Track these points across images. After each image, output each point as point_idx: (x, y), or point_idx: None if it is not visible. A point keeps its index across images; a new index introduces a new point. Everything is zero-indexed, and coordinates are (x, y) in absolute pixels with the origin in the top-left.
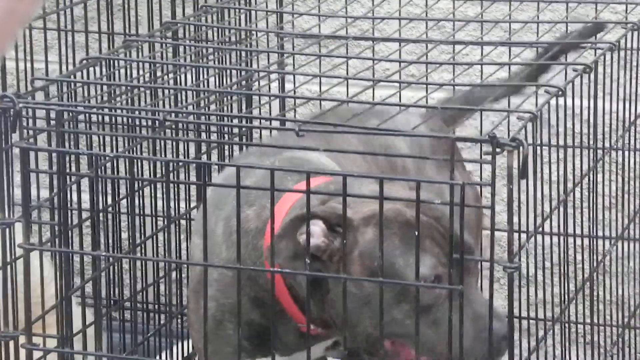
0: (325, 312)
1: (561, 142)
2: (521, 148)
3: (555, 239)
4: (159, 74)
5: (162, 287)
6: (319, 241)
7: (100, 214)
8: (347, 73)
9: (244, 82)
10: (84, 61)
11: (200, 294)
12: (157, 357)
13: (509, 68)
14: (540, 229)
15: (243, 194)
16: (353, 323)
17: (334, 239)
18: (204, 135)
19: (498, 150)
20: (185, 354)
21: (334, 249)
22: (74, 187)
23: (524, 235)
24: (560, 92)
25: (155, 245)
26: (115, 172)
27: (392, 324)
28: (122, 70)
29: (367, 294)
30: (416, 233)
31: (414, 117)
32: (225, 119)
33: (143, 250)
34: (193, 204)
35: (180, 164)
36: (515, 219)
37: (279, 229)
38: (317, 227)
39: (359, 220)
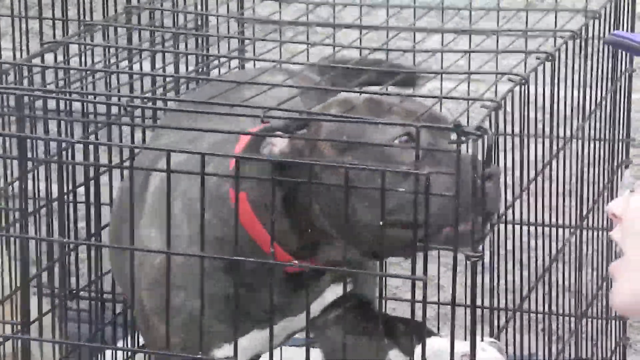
0: (310, 227)
1: (520, 131)
2: (485, 137)
3: (513, 227)
4: (115, 60)
5: None
6: (283, 146)
7: (57, 202)
8: (308, 60)
9: (203, 69)
10: (44, 45)
11: (159, 290)
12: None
13: (469, 56)
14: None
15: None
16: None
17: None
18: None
19: (463, 138)
20: (142, 343)
21: (299, 146)
22: (30, 174)
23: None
24: (523, 81)
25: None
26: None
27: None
28: (80, 56)
29: (350, 177)
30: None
31: (279, 75)
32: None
33: (100, 240)
34: None
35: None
36: None
37: (241, 151)
38: (277, 138)
39: (319, 109)
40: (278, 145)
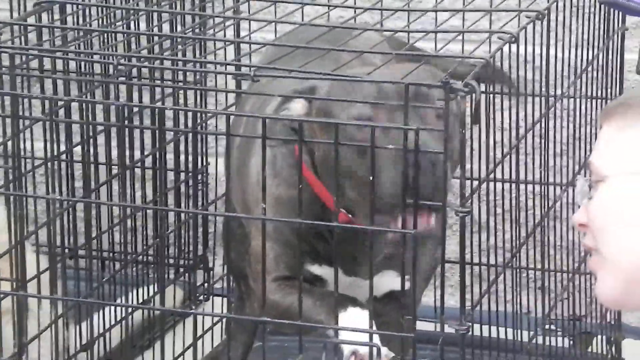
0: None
1: (509, 90)
2: (474, 94)
3: (507, 185)
4: (112, 20)
5: (116, 235)
6: (299, 109)
7: (55, 162)
8: (302, 20)
9: (198, 28)
10: (37, 6)
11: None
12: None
13: (463, 15)
14: (493, 176)
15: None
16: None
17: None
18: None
19: (451, 95)
20: (141, 301)
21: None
22: (28, 134)
23: (477, 183)
24: (513, 39)
25: (110, 192)
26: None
27: (358, 171)
28: (73, 17)
29: (328, 152)
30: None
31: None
32: (179, 64)
33: (97, 198)
34: (147, 152)
35: (135, 110)
36: (468, 165)
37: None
38: (298, 104)
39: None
40: (295, 112)
